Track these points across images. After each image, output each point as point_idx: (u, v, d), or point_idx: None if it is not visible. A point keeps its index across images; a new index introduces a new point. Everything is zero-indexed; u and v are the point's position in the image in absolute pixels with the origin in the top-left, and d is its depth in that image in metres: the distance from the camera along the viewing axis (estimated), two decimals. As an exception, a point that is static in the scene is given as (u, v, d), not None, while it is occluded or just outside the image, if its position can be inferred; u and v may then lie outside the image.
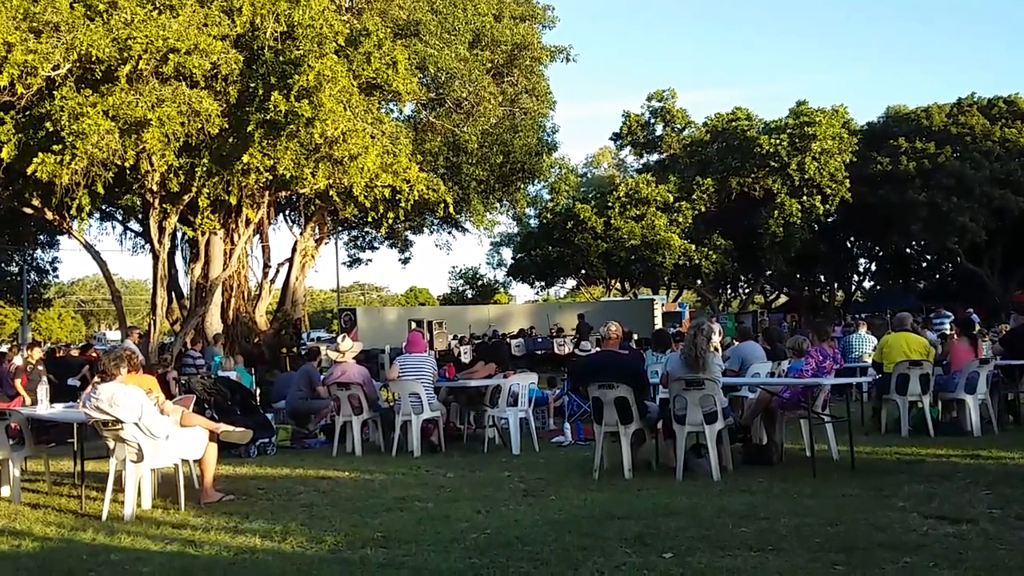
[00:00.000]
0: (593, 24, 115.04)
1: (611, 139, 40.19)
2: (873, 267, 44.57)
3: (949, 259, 39.22)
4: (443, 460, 9.18)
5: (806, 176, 32.31)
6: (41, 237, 27.97)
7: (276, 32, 13.91)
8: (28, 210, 17.32)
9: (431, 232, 30.43)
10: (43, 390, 8.34)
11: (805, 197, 32.64)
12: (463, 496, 7.00)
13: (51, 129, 12.33)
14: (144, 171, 14.27)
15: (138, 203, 19.39)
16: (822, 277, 43.71)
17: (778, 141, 32.41)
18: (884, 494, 6.35)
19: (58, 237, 27.87)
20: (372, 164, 13.96)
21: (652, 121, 37.51)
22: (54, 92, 12.57)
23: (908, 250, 40.93)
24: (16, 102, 12.69)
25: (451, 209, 17.44)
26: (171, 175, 14.16)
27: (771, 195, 32.85)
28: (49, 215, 16.87)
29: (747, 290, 42.35)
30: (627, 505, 6.35)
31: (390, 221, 16.60)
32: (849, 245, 41.13)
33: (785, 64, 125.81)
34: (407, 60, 15.65)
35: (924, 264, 43.02)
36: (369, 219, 17.20)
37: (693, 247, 33.07)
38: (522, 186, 27.37)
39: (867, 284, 45.52)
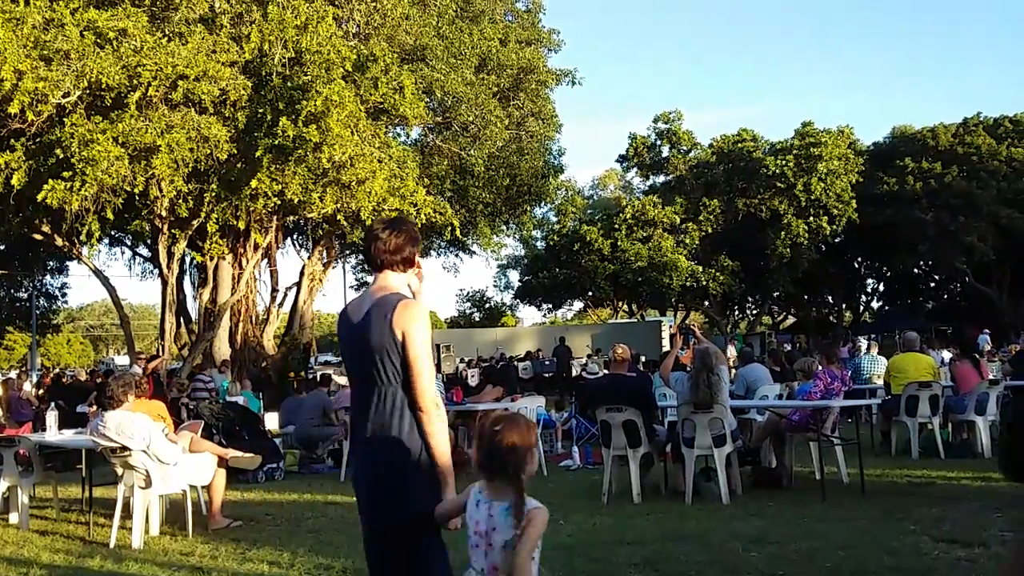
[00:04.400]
0: (599, 47, 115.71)
1: (617, 161, 40.33)
2: (881, 287, 44.46)
3: (957, 279, 39.10)
4: (451, 484, 9.14)
5: (812, 197, 32.33)
6: (50, 263, 28.12)
7: (284, 58, 14.05)
8: (38, 236, 17.44)
9: (438, 255, 30.52)
10: (52, 417, 8.35)
11: (812, 218, 32.64)
12: (471, 521, 6.97)
13: (61, 156, 12.44)
14: (153, 197, 14.37)
15: (147, 228, 19.50)
16: (830, 298, 43.60)
17: (784, 162, 32.48)
18: (895, 517, 6.31)
19: (67, 263, 28.05)
20: (379, 188, 14.04)
21: (658, 143, 37.63)
22: (64, 119, 12.70)
23: (916, 270, 40.81)
24: (27, 129, 12.83)
25: (458, 232, 17.51)
26: (180, 200, 14.26)
27: (777, 216, 32.87)
28: (59, 241, 16.99)
29: (755, 311, 42.26)
30: (636, 529, 6.31)
31: (397, 244, 16.64)
32: (856, 266, 41.05)
33: (790, 85, 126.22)
34: (414, 85, 15.77)
35: (932, 284, 42.90)
36: (376, 243, 17.24)
37: (700, 268, 33.06)
38: (529, 209, 27.46)
39: (875, 304, 45.39)
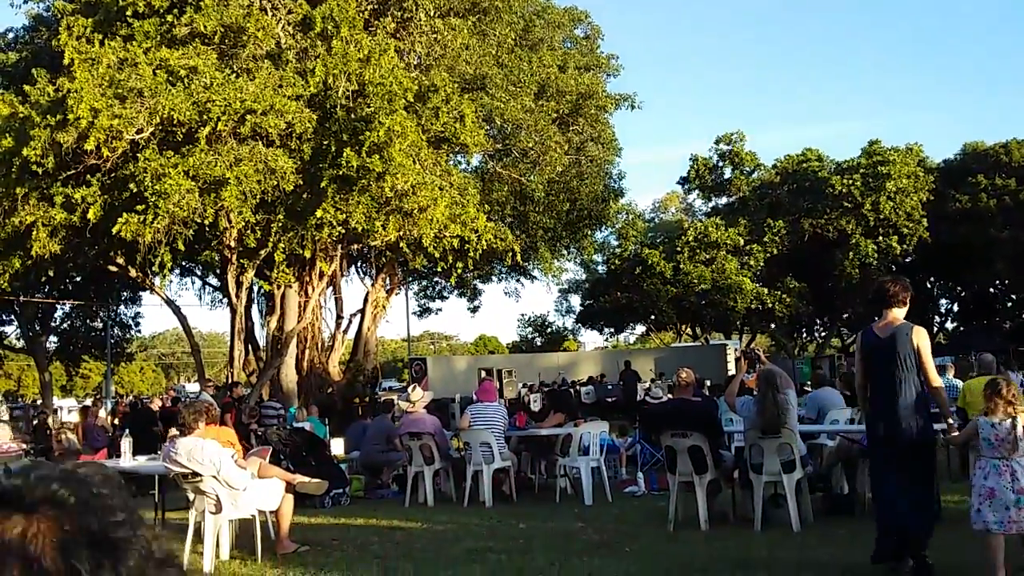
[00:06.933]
0: (658, 70, 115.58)
1: (678, 183, 40.03)
2: (955, 308, 43.17)
3: (1036, 298, 37.80)
4: (515, 510, 9.12)
5: (881, 216, 31.64)
6: (124, 294, 29.01)
7: (348, 91, 14.34)
8: (113, 268, 18.03)
9: (499, 280, 30.65)
10: (127, 443, 8.58)
11: (881, 237, 31.92)
12: (536, 547, 6.93)
13: (135, 190, 12.86)
14: (222, 228, 14.75)
15: (216, 259, 20.03)
16: (901, 319, 42.47)
17: (851, 181, 31.88)
18: (974, 545, 6.07)
19: (140, 293, 28.89)
20: (441, 215, 14.18)
21: (720, 164, 37.26)
22: (137, 155, 13.14)
23: (991, 289, 39.57)
24: (102, 165, 13.30)
25: (519, 257, 17.56)
26: (248, 231, 14.61)
27: (845, 236, 32.23)
28: (132, 272, 17.52)
29: (823, 333, 41.39)
30: (704, 557, 6.20)
31: (459, 271, 16.79)
32: (929, 285, 39.95)
33: (855, 104, 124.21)
34: (474, 113, 15.94)
35: (1010, 303, 41.51)
36: (438, 269, 17.43)
37: (765, 290, 32.51)
38: (589, 233, 27.45)
39: (949, 325, 44.06)
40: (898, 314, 5.62)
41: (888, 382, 5.45)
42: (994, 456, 5.07)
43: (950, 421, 5.68)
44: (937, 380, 5.53)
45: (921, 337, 5.46)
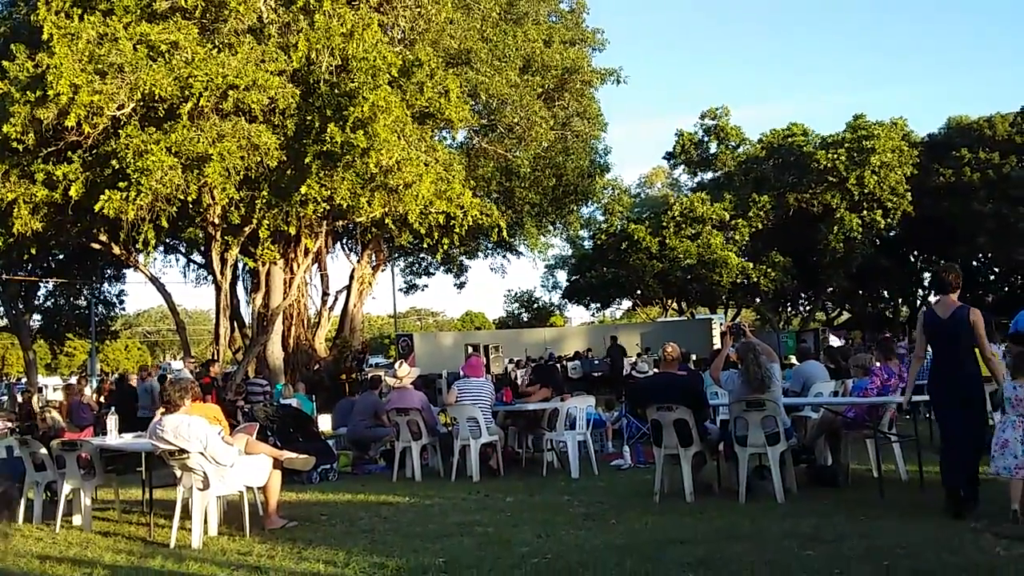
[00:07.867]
0: (644, 44, 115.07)
1: (664, 158, 40.02)
2: (938, 281, 43.40)
3: (1018, 271, 38.09)
4: (502, 484, 9.17)
5: (866, 190, 31.74)
6: (108, 271, 28.80)
7: (331, 66, 14.21)
8: (96, 245, 17.91)
9: (486, 256, 30.61)
10: (112, 421, 8.56)
11: (865, 212, 32.05)
12: (523, 520, 6.98)
13: (117, 167, 12.75)
14: (206, 204, 14.65)
15: (201, 236, 19.89)
16: (885, 293, 42.73)
17: (836, 156, 31.93)
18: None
19: (124, 270, 28.68)
20: (426, 191, 14.13)
21: (706, 139, 37.26)
22: (119, 131, 13.01)
23: (975, 263, 39.85)
24: (83, 141, 13.17)
25: (505, 233, 17.53)
26: (232, 208, 14.51)
27: (830, 210, 32.33)
28: (116, 250, 17.41)
29: (808, 307, 41.61)
30: (689, 529, 6.27)
31: (445, 247, 16.76)
32: (913, 259, 40.21)
33: (840, 78, 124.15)
34: (459, 88, 15.83)
35: (992, 277, 41.84)
36: (424, 245, 17.39)
37: (751, 265, 32.64)
38: (575, 208, 27.40)
39: (932, 299, 44.32)
40: (954, 297, 6.53)
41: (950, 353, 6.43)
42: (1013, 413, 6.08)
43: (1002, 383, 6.35)
44: (990, 351, 6.51)
45: (977, 317, 6.35)
